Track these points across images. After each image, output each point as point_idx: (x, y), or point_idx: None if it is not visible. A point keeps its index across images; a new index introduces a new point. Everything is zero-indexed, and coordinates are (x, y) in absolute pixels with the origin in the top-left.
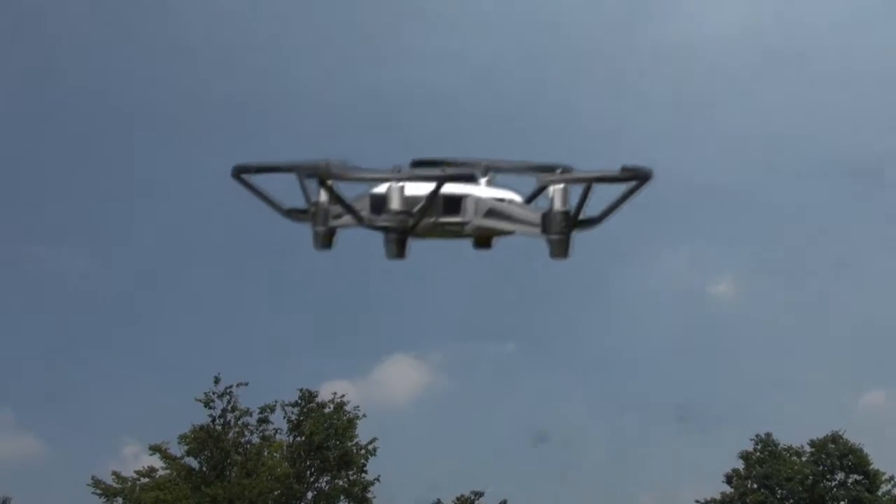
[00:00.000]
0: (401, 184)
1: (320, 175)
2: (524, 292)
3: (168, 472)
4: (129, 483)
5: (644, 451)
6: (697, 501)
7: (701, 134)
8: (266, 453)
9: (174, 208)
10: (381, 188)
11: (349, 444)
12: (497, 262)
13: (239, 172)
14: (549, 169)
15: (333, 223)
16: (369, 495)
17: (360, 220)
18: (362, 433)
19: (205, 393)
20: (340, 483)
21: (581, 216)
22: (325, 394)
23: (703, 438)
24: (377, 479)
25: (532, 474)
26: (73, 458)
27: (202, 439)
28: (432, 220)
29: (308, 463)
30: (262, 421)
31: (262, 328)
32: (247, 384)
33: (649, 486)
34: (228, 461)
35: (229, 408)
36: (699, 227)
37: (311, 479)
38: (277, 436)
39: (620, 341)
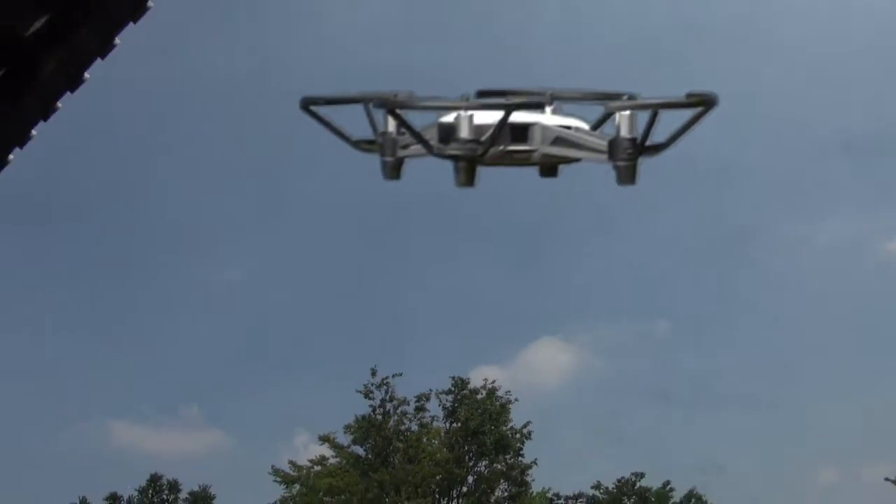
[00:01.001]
0: (469, 112)
1: (388, 105)
2: (677, 268)
3: (337, 460)
4: (304, 471)
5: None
6: None
7: None
8: (425, 440)
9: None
10: (449, 117)
11: (504, 428)
12: (646, 236)
13: (307, 104)
14: (615, 97)
15: (402, 153)
16: (528, 478)
17: (429, 149)
18: (516, 417)
19: (364, 385)
20: (499, 467)
21: (648, 142)
22: (476, 380)
23: None
24: (534, 463)
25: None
26: (253, 449)
27: (365, 428)
28: (500, 147)
29: (466, 448)
30: (419, 409)
31: (410, 318)
32: (401, 374)
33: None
34: (391, 448)
35: (387, 398)
36: None
37: (471, 464)
38: (434, 423)
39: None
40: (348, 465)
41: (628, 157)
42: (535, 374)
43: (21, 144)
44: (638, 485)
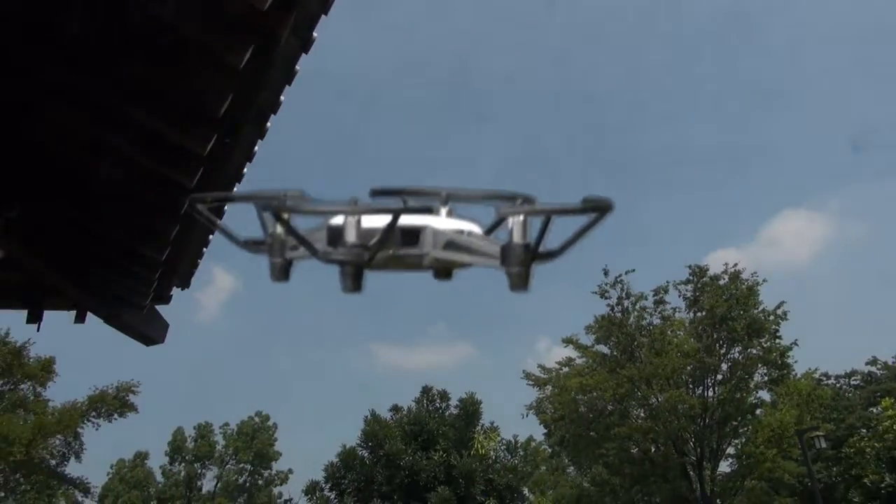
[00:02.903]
0: (357, 216)
1: (274, 209)
2: None
3: (584, 359)
4: (554, 373)
5: None
6: None
7: None
8: (670, 332)
9: None
10: (337, 219)
11: (754, 312)
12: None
13: (193, 202)
14: (511, 198)
15: (290, 255)
16: (789, 360)
17: (314, 253)
18: (766, 299)
19: (598, 285)
20: (754, 352)
21: (541, 249)
22: (714, 265)
23: None
24: (794, 344)
25: None
26: (499, 357)
27: (606, 327)
28: (390, 252)
29: (715, 336)
30: (659, 302)
31: (634, 213)
32: (634, 270)
33: None
34: (636, 344)
35: (624, 295)
36: None
37: (722, 352)
38: (677, 314)
39: None
40: (595, 363)
41: (521, 263)
42: (782, 251)
43: (275, 111)
44: None
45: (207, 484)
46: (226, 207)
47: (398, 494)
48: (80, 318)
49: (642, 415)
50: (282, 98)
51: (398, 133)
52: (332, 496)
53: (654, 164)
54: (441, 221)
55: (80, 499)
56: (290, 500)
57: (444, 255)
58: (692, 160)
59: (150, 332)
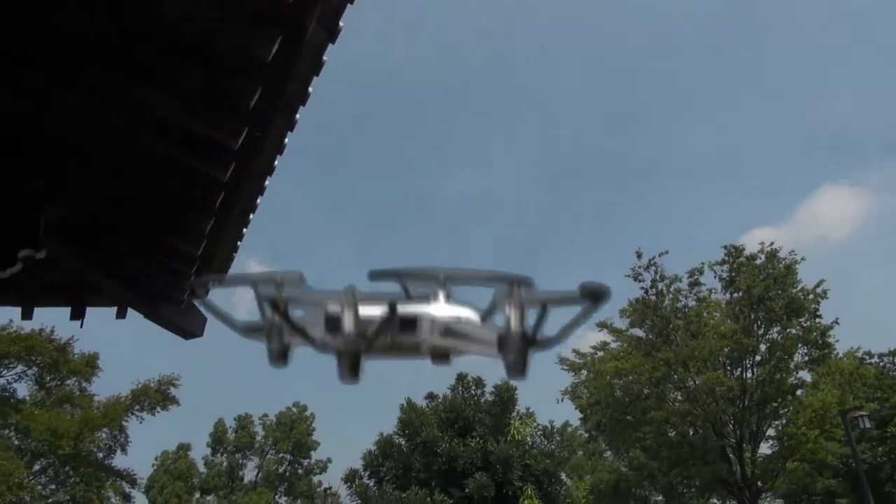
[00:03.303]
0: (354, 305)
1: (272, 298)
2: None
3: (619, 343)
4: (589, 357)
5: None
6: None
7: None
8: (705, 314)
9: None
10: (335, 307)
11: (793, 291)
12: None
13: (195, 285)
14: (508, 280)
15: (288, 340)
16: (830, 339)
17: (311, 342)
18: (805, 277)
19: (631, 269)
20: (793, 331)
21: (538, 337)
22: (750, 245)
23: None
24: (835, 322)
25: None
26: None
27: (641, 310)
28: (387, 339)
29: (752, 317)
30: (694, 284)
31: (664, 193)
32: (667, 252)
33: None
34: (671, 326)
35: (658, 277)
36: None
37: (760, 332)
38: (713, 296)
39: None
40: (630, 347)
41: (518, 352)
42: (821, 228)
43: (304, 103)
44: None
45: (249, 474)
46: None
47: (436, 481)
48: (121, 314)
49: (679, 398)
50: (310, 89)
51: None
52: (371, 483)
53: (689, 143)
54: (438, 308)
55: (127, 490)
56: (330, 487)
57: (441, 343)
58: (726, 139)
59: (189, 325)
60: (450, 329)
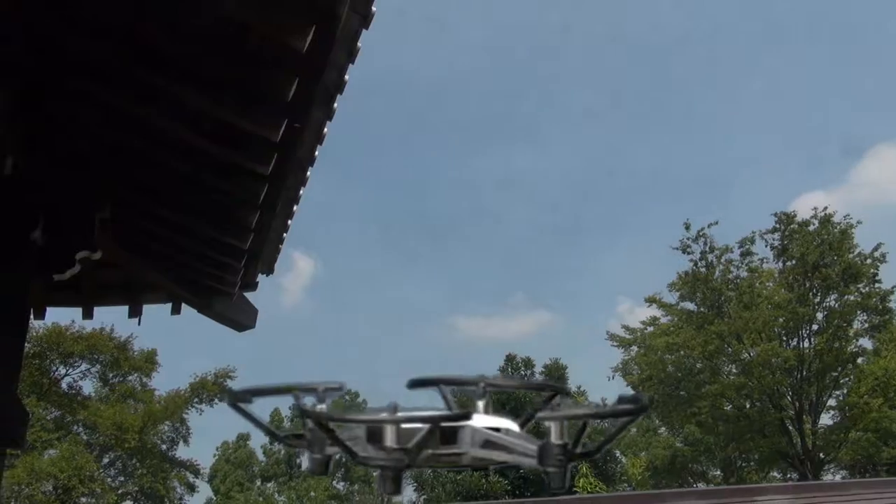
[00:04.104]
0: (395, 420)
1: (312, 416)
2: None
3: (669, 318)
4: (639, 333)
5: None
6: None
7: None
8: (758, 284)
9: None
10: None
11: (849, 256)
12: None
13: (235, 400)
14: (547, 388)
15: (329, 451)
16: (891, 305)
17: (353, 456)
18: (862, 241)
19: (679, 241)
20: (852, 298)
21: (578, 449)
22: (802, 211)
23: None
24: None
25: None
26: (580, 322)
27: (691, 283)
28: (428, 452)
29: (807, 285)
30: (745, 254)
31: (713, 164)
32: (717, 223)
33: None
34: (723, 298)
35: (707, 249)
36: None
37: (816, 301)
38: (765, 265)
39: None
40: (681, 321)
41: (558, 463)
42: (877, 190)
43: (341, 91)
44: None
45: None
46: None
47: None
48: (175, 310)
49: (734, 371)
50: (346, 77)
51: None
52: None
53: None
54: (479, 419)
55: (191, 480)
56: None
57: (481, 454)
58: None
59: (241, 318)
60: (490, 440)
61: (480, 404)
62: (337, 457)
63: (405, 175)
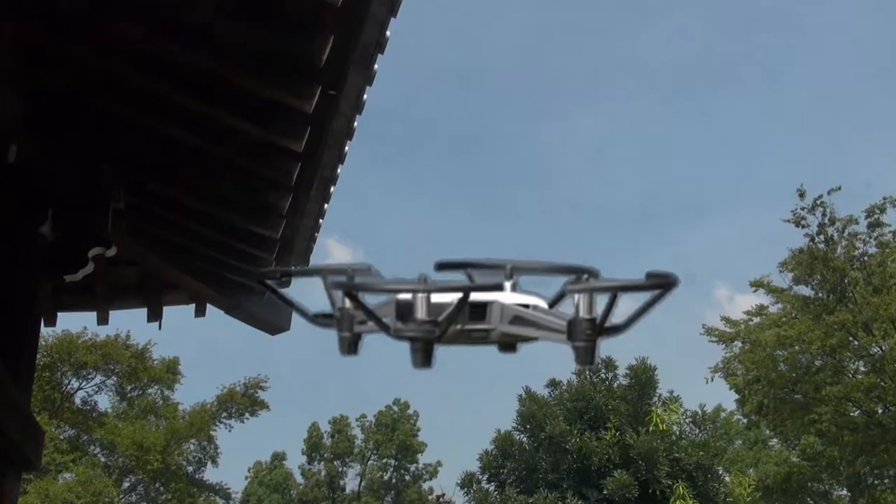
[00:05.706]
0: (426, 292)
1: (344, 287)
2: None
3: (780, 306)
4: (742, 325)
5: None
6: None
7: None
8: (890, 262)
9: None
10: (406, 294)
11: None
12: None
13: (262, 277)
14: (575, 271)
15: (359, 329)
16: None
17: (386, 330)
18: None
19: (791, 212)
20: None
21: (606, 324)
22: None
23: None
24: None
25: None
26: (670, 315)
27: (807, 263)
28: (458, 327)
29: None
30: (874, 225)
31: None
32: (839, 188)
33: None
34: (847, 281)
35: (827, 221)
36: None
37: None
38: None
39: None
40: (794, 309)
41: (587, 338)
42: None
43: (382, 50)
44: None
45: (350, 482)
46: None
47: (567, 482)
48: (199, 312)
49: (862, 368)
50: (388, 33)
51: None
52: (492, 488)
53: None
54: (507, 296)
55: None
56: (443, 494)
57: (510, 330)
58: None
59: (274, 319)
60: (519, 316)
61: (508, 285)
62: (365, 336)
63: (458, 145)
